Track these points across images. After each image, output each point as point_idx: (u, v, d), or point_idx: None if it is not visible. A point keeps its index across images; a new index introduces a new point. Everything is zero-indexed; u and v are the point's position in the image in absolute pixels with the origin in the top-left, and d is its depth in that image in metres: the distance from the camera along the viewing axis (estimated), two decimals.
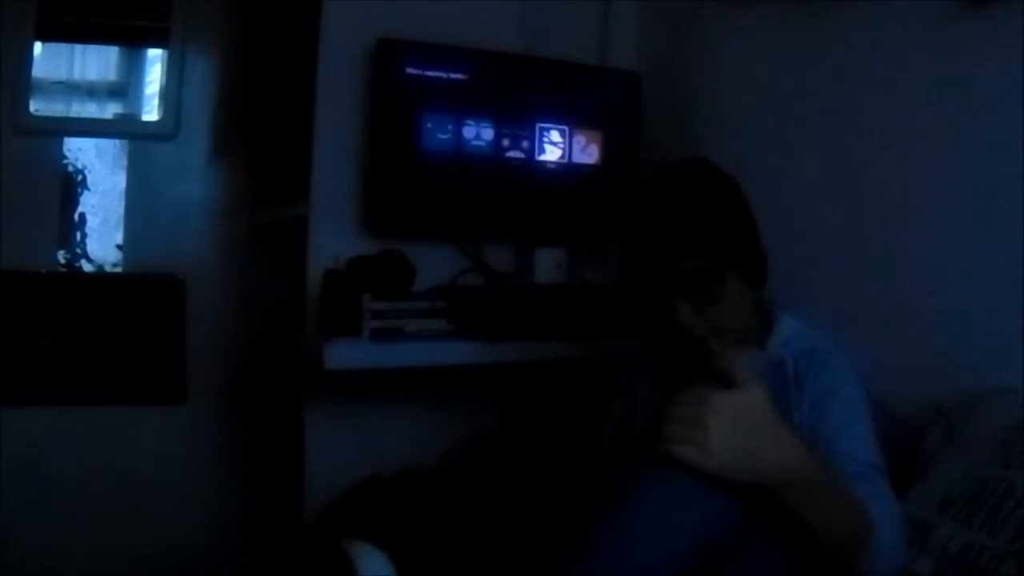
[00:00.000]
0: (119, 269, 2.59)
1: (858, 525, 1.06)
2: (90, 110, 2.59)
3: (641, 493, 1.08)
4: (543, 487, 1.54)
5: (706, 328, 1.29)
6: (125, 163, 2.61)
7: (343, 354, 1.80)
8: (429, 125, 2.04)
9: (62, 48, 2.55)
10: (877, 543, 1.07)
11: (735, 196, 1.37)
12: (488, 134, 2.09)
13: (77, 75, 2.56)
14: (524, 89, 2.14)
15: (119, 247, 2.59)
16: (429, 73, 2.03)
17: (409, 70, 2.01)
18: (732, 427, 0.99)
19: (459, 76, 2.06)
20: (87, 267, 2.56)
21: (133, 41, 2.62)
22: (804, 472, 1.02)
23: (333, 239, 1.99)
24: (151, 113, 2.60)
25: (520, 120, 2.12)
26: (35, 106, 2.46)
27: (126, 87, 2.62)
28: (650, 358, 1.47)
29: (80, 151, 2.57)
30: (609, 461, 1.44)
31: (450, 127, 2.05)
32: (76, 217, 2.55)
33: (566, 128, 2.16)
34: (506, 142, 2.11)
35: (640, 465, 1.09)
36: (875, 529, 1.07)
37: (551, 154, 2.14)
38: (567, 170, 2.16)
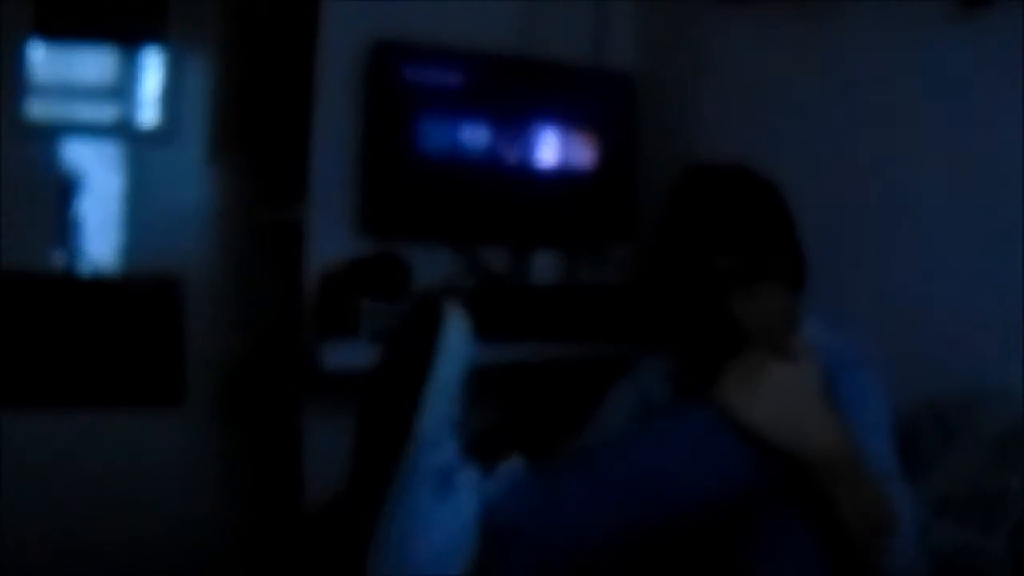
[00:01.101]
0: (116, 271, 2.59)
1: (883, 517, 1.09)
2: (87, 112, 2.59)
3: (648, 434, 1.10)
4: None
5: (755, 323, 1.30)
6: (122, 165, 2.61)
7: (340, 355, 1.80)
8: (426, 127, 2.03)
9: (60, 50, 2.55)
10: (899, 539, 1.10)
11: (774, 199, 1.41)
12: (485, 136, 2.09)
13: (75, 77, 2.57)
14: (521, 91, 2.14)
15: (116, 249, 2.59)
16: (426, 75, 2.03)
17: (406, 72, 2.01)
18: (783, 393, 1.02)
19: (456, 78, 2.06)
20: (84, 269, 2.56)
21: (130, 43, 2.62)
22: (841, 453, 1.05)
23: (330, 241, 1.99)
24: (148, 115, 2.61)
25: (517, 122, 2.12)
26: (32, 108, 2.47)
27: (123, 89, 2.63)
28: (670, 363, 1.47)
29: (77, 153, 2.57)
30: None
31: (447, 129, 2.05)
32: (73, 219, 2.55)
33: (562, 130, 2.16)
34: (502, 144, 2.11)
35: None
36: (897, 526, 1.10)
37: (547, 156, 2.14)
38: (563, 172, 2.16)
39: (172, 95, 2.57)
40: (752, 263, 1.32)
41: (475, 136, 2.08)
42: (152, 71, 2.60)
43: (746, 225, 1.34)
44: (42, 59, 2.51)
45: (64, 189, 2.54)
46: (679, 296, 1.37)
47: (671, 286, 1.38)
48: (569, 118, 2.16)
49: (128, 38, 2.61)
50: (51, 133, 2.53)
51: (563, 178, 2.16)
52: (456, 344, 1.06)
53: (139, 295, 2.56)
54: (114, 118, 2.62)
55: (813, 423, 1.04)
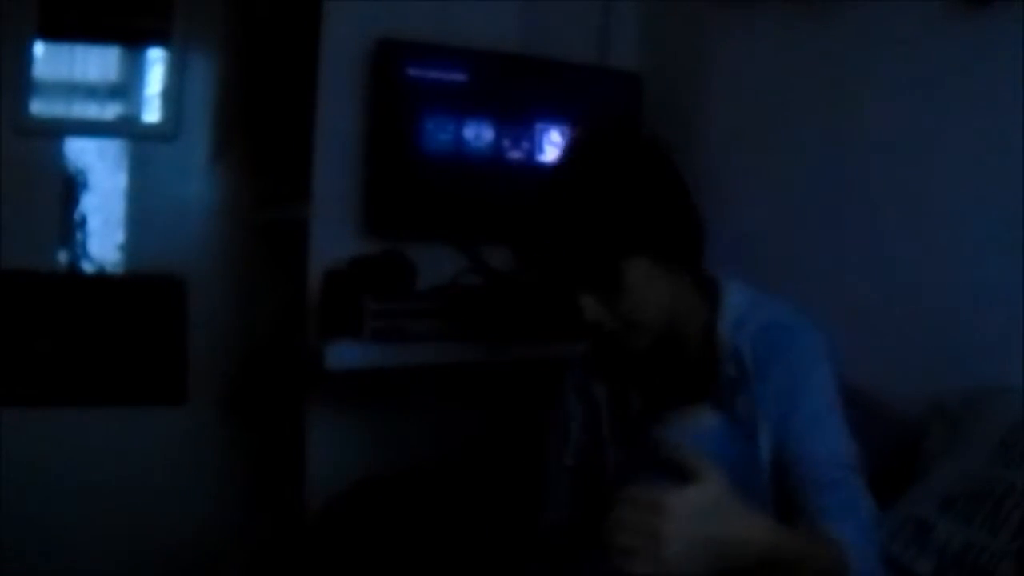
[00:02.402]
0: (120, 270, 2.59)
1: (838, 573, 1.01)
2: (91, 111, 2.59)
3: None
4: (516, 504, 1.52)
5: (617, 322, 1.18)
6: (126, 163, 2.61)
7: (344, 354, 1.80)
8: (429, 125, 2.03)
9: (63, 49, 2.55)
10: (859, 559, 1.03)
11: (632, 170, 1.19)
12: (488, 135, 2.09)
13: (78, 76, 2.57)
14: (524, 90, 2.14)
15: (120, 247, 2.59)
16: (429, 74, 2.03)
17: (409, 71, 2.01)
18: (690, 528, 0.89)
19: (459, 77, 2.06)
20: (88, 268, 2.56)
21: (134, 42, 2.62)
22: (777, 552, 0.94)
23: (334, 240, 1.99)
24: (152, 114, 2.61)
25: (520, 121, 2.12)
26: (36, 107, 2.47)
27: (127, 88, 2.63)
28: (597, 358, 1.36)
29: (81, 152, 2.57)
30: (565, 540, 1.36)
31: (450, 127, 2.05)
32: (77, 218, 2.55)
33: (566, 129, 2.15)
34: (506, 143, 2.10)
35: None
36: (851, 558, 1.02)
37: (551, 155, 2.14)
38: None
39: (176, 93, 2.57)
40: (599, 253, 1.16)
41: (479, 134, 2.08)
42: (156, 69, 2.60)
43: (582, 213, 1.16)
44: (46, 57, 2.51)
45: (68, 187, 2.54)
46: (552, 297, 1.25)
47: (543, 286, 1.28)
48: (573, 116, 2.16)
49: (132, 37, 2.61)
50: (55, 131, 2.53)
51: None
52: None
53: (142, 293, 2.56)
54: (118, 117, 2.62)
55: (734, 540, 0.91)
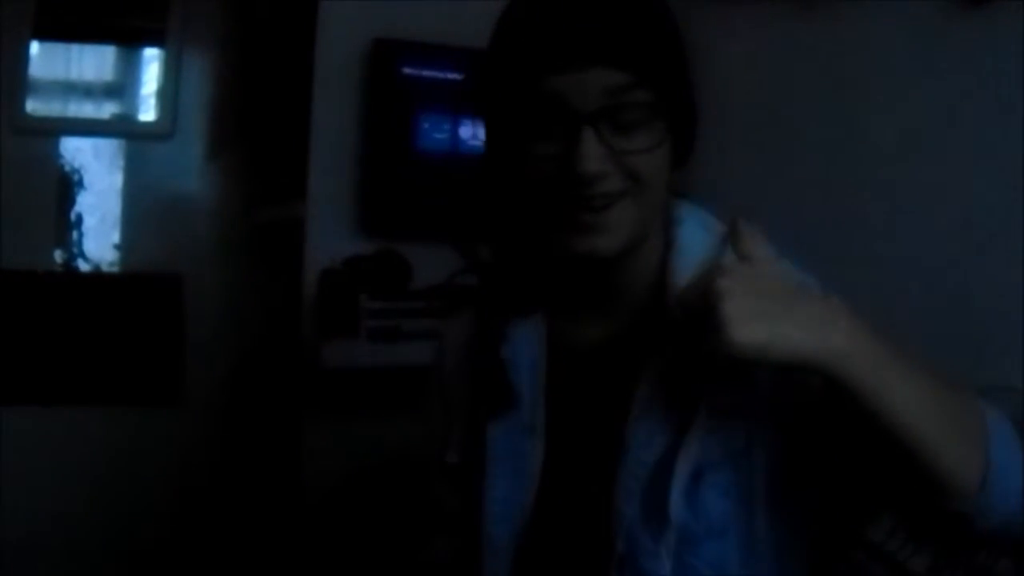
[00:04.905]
0: (116, 269, 2.59)
1: (972, 413, 0.75)
2: (87, 110, 2.59)
3: None
4: None
5: (621, 178, 0.82)
6: (122, 163, 2.61)
7: (340, 353, 1.80)
8: (425, 125, 2.03)
9: (59, 48, 2.55)
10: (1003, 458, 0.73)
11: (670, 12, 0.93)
12: (484, 133, 2.08)
13: (74, 75, 2.57)
14: None
15: (116, 247, 2.59)
16: (425, 73, 2.03)
17: (405, 70, 2.01)
18: (750, 295, 0.70)
19: (455, 76, 2.05)
20: (84, 267, 2.56)
21: (130, 41, 2.62)
22: (860, 333, 0.72)
23: (330, 239, 1.99)
24: (148, 113, 2.61)
25: None
26: (32, 106, 2.47)
27: (123, 87, 2.63)
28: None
29: (77, 151, 2.57)
30: None
31: (446, 126, 2.05)
32: (73, 217, 2.55)
33: None
34: None
35: None
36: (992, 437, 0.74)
37: None
38: None
39: (172, 93, 2.56)
40: (643, 87, 0.81)
41: (475, 133, 2.07)
42: (152, 69, 2.60)
43: (639, 26, 0.84)
44: (42, 57, 2.51)
45: (64, 187, 2.54)
46: (512, 140, 0.87)
47: (505, 125, 0.90)
48: None
49: (128, 36, 2.61)
50: (51, 131, 2.53)
51: None
52: None
53: (138, 293, 2.56)
54: (114, 116, 2.62)
55: (801, 309, 0.72)
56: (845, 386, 0.70)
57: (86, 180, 2.57)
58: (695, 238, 0.91)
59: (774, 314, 0.70)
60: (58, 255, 2.53)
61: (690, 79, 0.90)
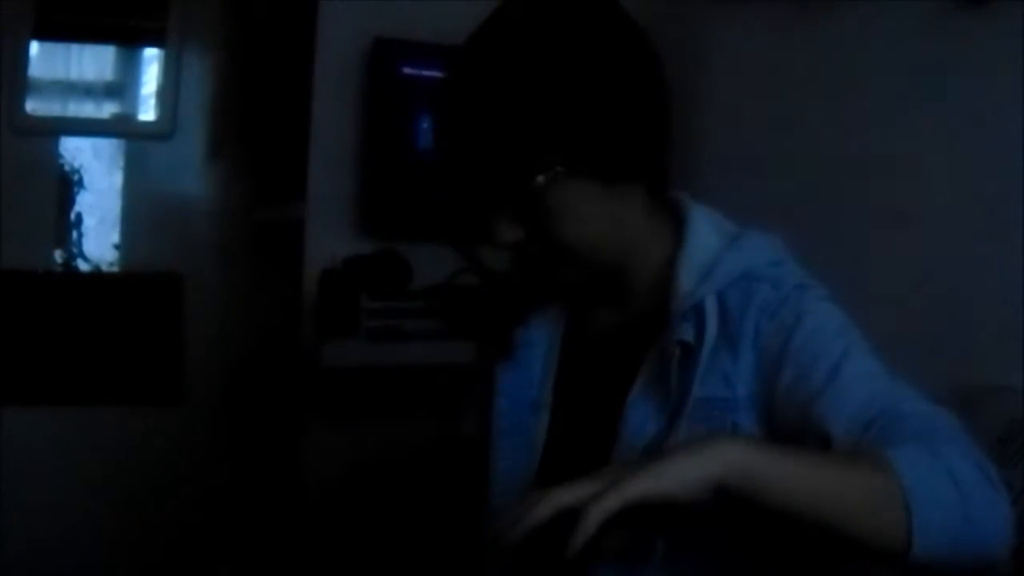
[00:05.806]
0: (116, 269, 2.59)
1: (887, 487, 0.71)
2: (87, 110, 2.59)
3: None
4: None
5: (538, 245, 0.88)
6: (122, 163, 2.61)
7: (340, 353, 1.80)
8: (426, 125, 2.03)
9: (59, 48, 2.55)
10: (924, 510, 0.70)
11: (552, 56, 0.85)
12: None
13: (74, 75, 2.57)
14: None
15: (116, 247, 2.59)
16: (425, 72, 2.03)
17: (405, 69, 2.01)
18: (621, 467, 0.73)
19: None
20: (84, 267, 2.56)
21: (130, 41, 2.62)
22: (744, 440, 0.75)
23: (330, 239, 1.99)
24: (148, 113, 2.60)
25: None
26: (32, 106, 2.47)
27: (123, 87, 2.63)
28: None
29: (77, 151, 2.57)
30: None
31: None
32: (73, 217, 2.55)
33: None
34: None
35: None
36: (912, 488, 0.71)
37: None
38: None
39: (172, 93, 2.56)
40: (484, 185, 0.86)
41: None
42: (152, 69, 2.59)
43: (479, 132, 0.85)
44: (42, 56, 2.51)
45: (64, 187, 2.54)
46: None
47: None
48: None
49: (128, 36, 2.61)
50: (51, 130, 2.53)
51: None
52: None
53: (138, 292, 2.56)
54: (114, 116, 2.62)
55: (681, 451, 0.71)
56: (754, 493, 0.69)
57: (86, 180, 2.57)
58: (705, 239, 0.94)
59: (653, 467, 0.69)
60: (58, 255, 2.53)
61: (606, 108, 0.86)
